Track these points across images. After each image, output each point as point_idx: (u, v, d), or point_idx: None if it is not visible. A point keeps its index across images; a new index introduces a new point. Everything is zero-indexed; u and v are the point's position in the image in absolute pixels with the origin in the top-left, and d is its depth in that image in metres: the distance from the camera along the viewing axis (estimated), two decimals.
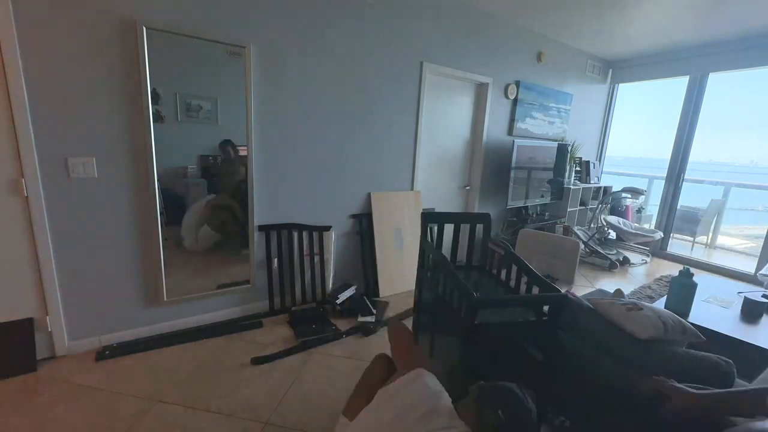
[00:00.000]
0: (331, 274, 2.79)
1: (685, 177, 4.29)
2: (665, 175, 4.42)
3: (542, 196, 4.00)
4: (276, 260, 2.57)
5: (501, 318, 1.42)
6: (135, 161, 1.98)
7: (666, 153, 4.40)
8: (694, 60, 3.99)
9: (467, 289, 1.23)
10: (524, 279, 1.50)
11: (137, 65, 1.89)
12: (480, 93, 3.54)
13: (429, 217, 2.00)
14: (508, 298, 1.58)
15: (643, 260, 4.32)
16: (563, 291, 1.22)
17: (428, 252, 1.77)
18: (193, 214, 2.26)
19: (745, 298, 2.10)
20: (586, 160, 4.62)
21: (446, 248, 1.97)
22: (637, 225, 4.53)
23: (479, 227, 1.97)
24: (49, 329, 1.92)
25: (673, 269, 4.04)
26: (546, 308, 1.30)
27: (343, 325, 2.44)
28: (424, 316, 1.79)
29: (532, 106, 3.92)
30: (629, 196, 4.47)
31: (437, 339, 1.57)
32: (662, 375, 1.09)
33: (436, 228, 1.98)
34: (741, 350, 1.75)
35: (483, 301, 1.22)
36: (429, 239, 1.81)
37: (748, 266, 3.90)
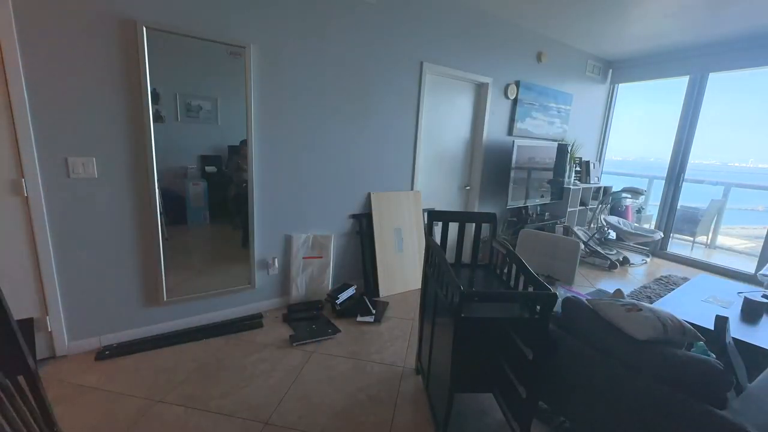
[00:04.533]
0: (331, 275, 2.80)
1: (685, 177, 4.29)
2: (665, 175, 4.42)
3: (542, 196, 4.00)
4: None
5: (495, 315, 1.43)
6: (135, 161, 1.98)
7: (665, 154, 4.40)
8: (694, 60, 3.99)
9: (456, 282, 1.24)
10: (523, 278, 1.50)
11: (137, 65, 1.89)
12: (480, 93, 3.54)
13: (434, 215, 2.00)
14: (494, 292, 1.58)
15: (643, 260, 4.32)
16: (565, 291, 1.22)
17: (429, 248, 1.77)
18: None
19: (745, 298, 2.10)
20: (586, 160, 4.62)
21: (451, 247, 1.97)
22: (637, 225, 4.53)
23: (484, 227, 1.98)
24: (49, 329, 1.92)
25: (673, 269, 4.04)
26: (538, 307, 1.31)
27: (342, 325, 2.44)
28: (428, 311, 1.79)
29: (532, 106, 3.92)
30: (629, 196, 4.47)
31: (437, 334, 1.57)
32: (661, 376, 1.09)
33: (440, 226, 1.98)
34: (741, 350, 1.75)
35: (470, 294, 1.23)
36: (433, 237, 1.81)
37: (748, 266, 3.89)
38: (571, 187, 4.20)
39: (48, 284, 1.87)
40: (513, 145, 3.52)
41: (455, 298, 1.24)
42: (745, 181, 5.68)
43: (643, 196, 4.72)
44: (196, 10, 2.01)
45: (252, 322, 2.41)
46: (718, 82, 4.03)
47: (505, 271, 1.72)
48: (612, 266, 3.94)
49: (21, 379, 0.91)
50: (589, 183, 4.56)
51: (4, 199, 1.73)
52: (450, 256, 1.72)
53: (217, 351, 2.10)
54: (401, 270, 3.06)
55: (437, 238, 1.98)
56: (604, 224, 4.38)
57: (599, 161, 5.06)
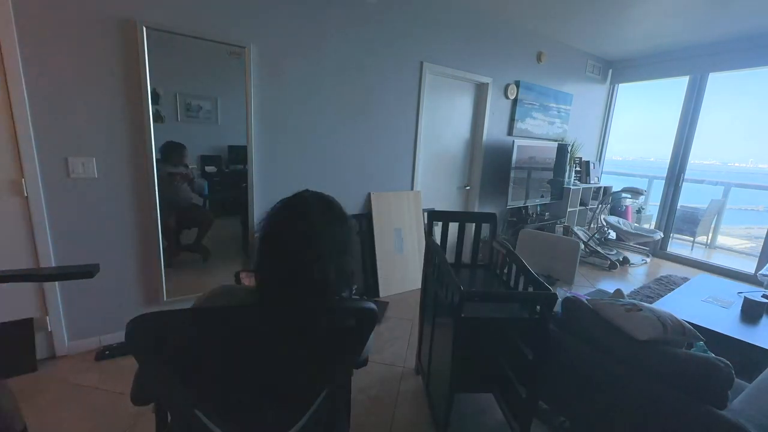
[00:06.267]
0: None
1: (685, 177, 4.29)
2: (665, 176, 4.42)
3: (542, 196, 3.99)
4: None
5: (495, 315, 1.43)
6: (135, 161, 1.98)
7: (665, 154, 4.40)
8: (694, 60, 3.99)
9: (456, 282, 1.24)
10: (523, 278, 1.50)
11: (137, 65, 1.88)
12: (480, 93, 3.54)
13: (434, 216, 2.00)
14: (494, 292, 1.58)
15: (642, 260, 4.32)
16: (565, 291, 1.22)
17: (429, 248, 1.77)
18: None
19: (745, 298, 2.10)
20: (586, 160, 4.62)
21: (451, 247, 1.98)
22: (637, 225, 4.53)
23: (484, 227, 1.98)
24: (49, 329, 1.92)
25: (673, 269, 4.04)
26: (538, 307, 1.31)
27: None
28: (428, 311, 1.79)
29: (532, 106, 3.92)
30: (629, 196, 4.47)
31: (437, 334, 1.57)
32: (661, 376, 1.09)
33: (440, 226, 1.98)
34: (741, 350, 1.75)
35: (470, 294, 1.23)
36: (433, 237, 1.81)
37: (748, 266, 3.89)
38: (571, 187, 4.20)
39: (48, 284, 1.87)
40: (513, 145, 3.52)
41: (455, 298, 1.24)
42: (745, 181, 5.68)
43: (643, 196, 4.72)
44: (196, 10, 2.01)
45: None
46: (718, 82, 4.03)
47: (505, 271, 1.72)
48: (612, 266, 3.94)
49: None
50: (589, 183, 4.56)
51: (4, 199, 1.73)
52: (450, 256, 1.72)
53: None
54: (401, 270, 3.05)
55: (437, 238, 1.98)
56: (604, 224, 4.38)
57: (599, 161, 5.06)
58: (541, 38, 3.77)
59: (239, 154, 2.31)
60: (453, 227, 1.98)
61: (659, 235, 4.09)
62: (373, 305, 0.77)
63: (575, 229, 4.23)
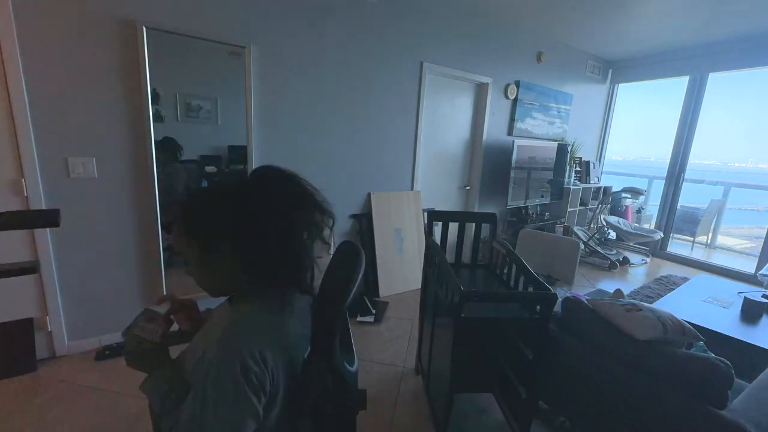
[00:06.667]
0: None
1: (685, 177, 4.29)
2: (665, 175, 4.42)
3: (542, 196, 3.99)
4: None
5: (495, 315, 1.43)
6: (135, 161, 1.98)
7: (665, 154, 4.40)
8: (694, 60, 3.99)
9: (456, 282, 1.24)
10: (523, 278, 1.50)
11: (137, 65, 1.88)
12: (480, 93, 3.54)
13: (434, 216, 2.00)
14: (494, 292, 1.58)
15: (642, 260, 4.32)
16: (565, 291, 1.21)
17: (429, 248, 1.77)
18: None
19: (745, 298, 2.10)
20: (586, 160, 4.62)
21: (451, 247, 1.98)
22: (637, 225, 4.53)
23: (484, 227, 1.98)
24: (49, 329, 1.92)
25: (673, 269, 4.04)
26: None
27: None
28: (428, 311, 1.79)
29: (532, 106, 3.91)
30: (629, 196, 4.47)
31: (437, 334, 1.57)
32: (661, 376, 1.09)
33: (440, 226, 1.99)
34: (741, 350, 1.75)
35: (470, 294, 1.23)
36: (433, 237, 1.81)
37: (748, 266, 3.89)
38: (571, 187, 4.20)
39: (48, 284, 1.87)
40: (513, 145, 3.52)
41: (455, 298, 1.24)
42: (745, 181, 5.68)
43: (643, 196, 4.72)
44: (196, 10, 2.01)
45: None
46: (718, 82, 4.03)
47: (505, 271, 1.72)
48: (612, 266, 3.94)
49: None
50: (589, 183, 4.56)
51: (4, 199, 1.73)
52: (450, 256, 1.72)
53: None
54: (401, 270, 3.05)
55: (437, 238, 1.99)
56: (604, 224, 4.38)
57: (599, 161, 5.06)
58: (541, 38, 3.77)
59: (239, 154, 2.31)
60: (453, 227, 1.98)
61: (659, 235, 4.09)
62: None
63: (575, 229, 4.23)
